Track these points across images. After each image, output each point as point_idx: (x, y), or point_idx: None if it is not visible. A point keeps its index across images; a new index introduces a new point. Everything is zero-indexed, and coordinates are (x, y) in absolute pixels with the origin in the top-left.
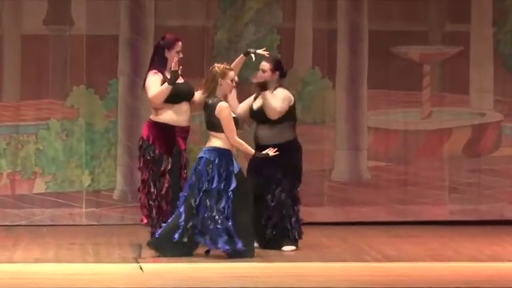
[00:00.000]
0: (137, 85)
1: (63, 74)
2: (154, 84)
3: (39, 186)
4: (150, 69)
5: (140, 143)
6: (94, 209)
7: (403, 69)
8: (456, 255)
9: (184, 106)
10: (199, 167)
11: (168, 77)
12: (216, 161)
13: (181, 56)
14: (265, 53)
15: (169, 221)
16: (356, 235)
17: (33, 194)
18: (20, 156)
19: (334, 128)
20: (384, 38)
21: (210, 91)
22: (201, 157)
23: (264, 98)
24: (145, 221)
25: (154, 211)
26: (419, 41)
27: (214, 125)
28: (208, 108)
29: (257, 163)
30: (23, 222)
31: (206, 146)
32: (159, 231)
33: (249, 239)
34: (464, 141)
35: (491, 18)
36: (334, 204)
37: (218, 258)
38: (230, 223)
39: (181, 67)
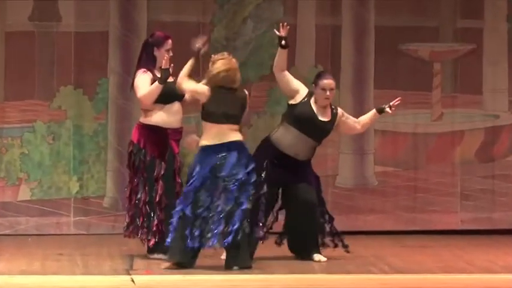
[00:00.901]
0: (128, 85)
1: (49, 74)
2: (144, 84)
3: (24, 193)
4: (138, 68)
5: (130, 148)
6: (83, 217)
7: (412, 67)
8: (468, 266)
9: (176, 106)
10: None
11: (158, 76)
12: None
13: (171, 54)
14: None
15: (174, 225)
16: (362, 245)
17: (18, 201)
18: (4, 160)
19: None
20: (391, 34)
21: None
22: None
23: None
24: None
25: (141, 220)
26: (429, 38)
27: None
28: None
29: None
30: (7, 232)
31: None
32: (169, 237)
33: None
34: (477, 145)
35: (506, 13)
36: (338, 212)
37: (214, 269)
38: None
39: (172, 65)
